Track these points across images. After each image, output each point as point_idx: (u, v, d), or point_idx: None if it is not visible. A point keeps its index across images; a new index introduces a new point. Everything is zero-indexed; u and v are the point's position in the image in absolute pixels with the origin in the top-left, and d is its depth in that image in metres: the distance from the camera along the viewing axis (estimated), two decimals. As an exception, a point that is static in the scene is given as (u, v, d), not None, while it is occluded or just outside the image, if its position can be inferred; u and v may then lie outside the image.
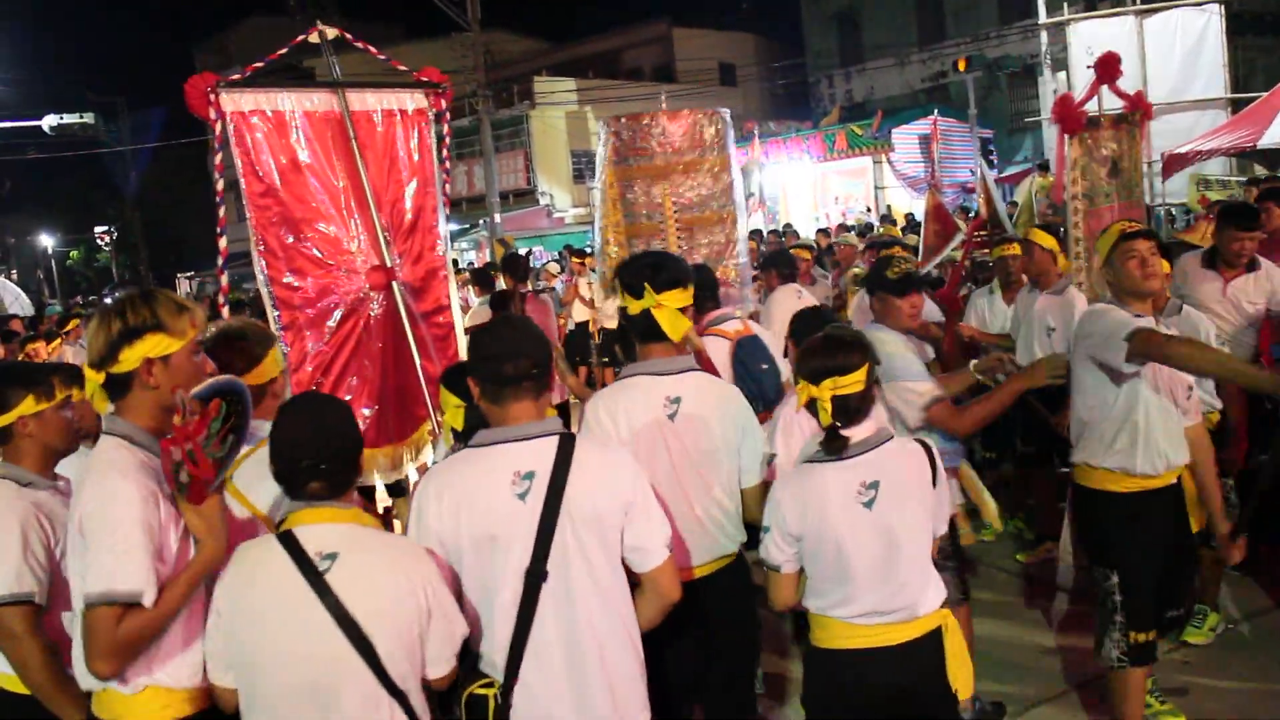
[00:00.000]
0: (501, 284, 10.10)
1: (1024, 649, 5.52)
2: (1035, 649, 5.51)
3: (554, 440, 2.80)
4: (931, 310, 7.23)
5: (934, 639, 3.08)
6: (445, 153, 5.22)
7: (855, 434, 3.06)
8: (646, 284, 3.42)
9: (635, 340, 3.58)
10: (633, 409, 3.44)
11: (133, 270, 42.85)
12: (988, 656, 5.32)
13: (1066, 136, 7.68)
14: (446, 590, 2.65)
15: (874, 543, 3.01)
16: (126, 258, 44.63)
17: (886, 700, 3.06)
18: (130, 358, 2.62)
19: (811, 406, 3.08)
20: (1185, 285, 5.90)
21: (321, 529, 2.54)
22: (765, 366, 4.78)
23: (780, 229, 19.95)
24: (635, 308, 3.47)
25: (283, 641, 2.48)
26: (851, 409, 3.04)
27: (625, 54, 39.97)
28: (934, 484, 3.13)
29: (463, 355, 4.96)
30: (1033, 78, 26.20)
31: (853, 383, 3.00)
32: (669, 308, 3.42)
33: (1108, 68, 8.43)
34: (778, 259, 7.76)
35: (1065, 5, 19.71)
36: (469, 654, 2.79)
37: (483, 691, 2.74)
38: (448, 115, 5.20)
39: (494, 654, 2.76)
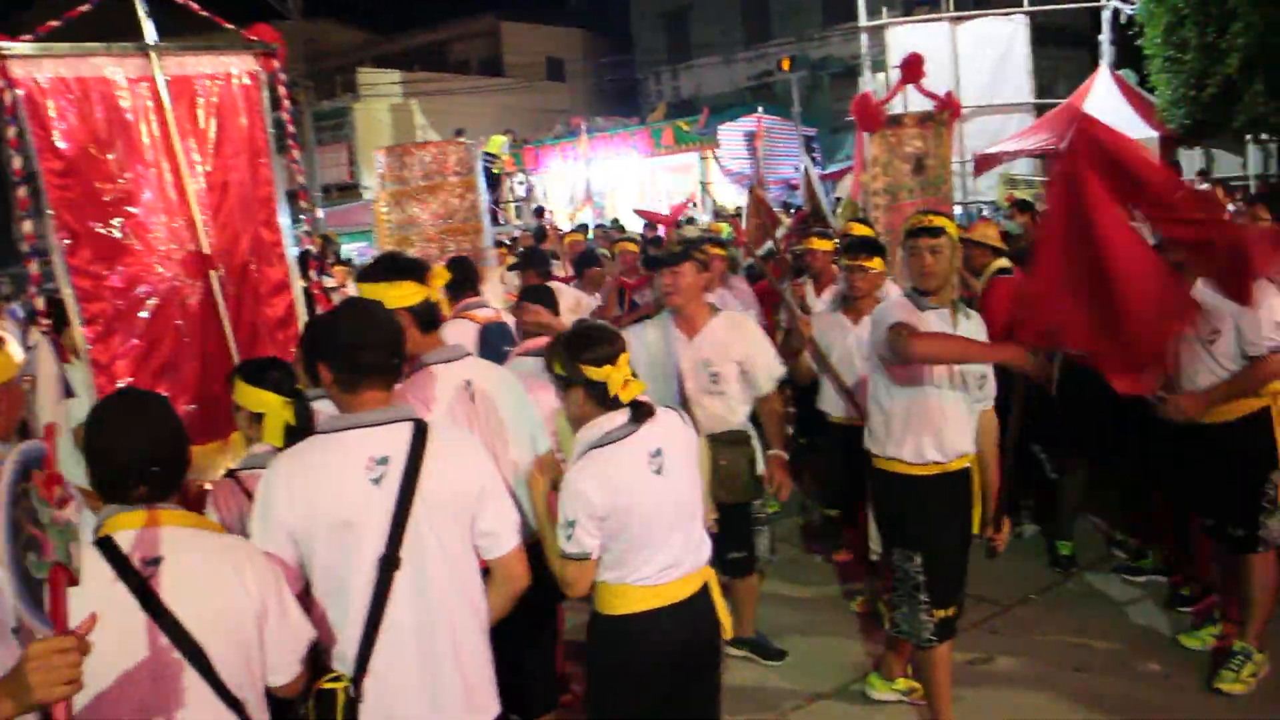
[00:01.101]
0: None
1: (834, 627, 5.74)
2: (842, 630, 5.70)
3: (408, 426, 2.75)
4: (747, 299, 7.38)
5: (707, 591, 3.32)
6: (286, 116, 4.83)
7: None
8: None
9: (418, 331, 3.61)
10: (440, 396, 3.49)
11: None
12: (803, 637, 5.54)
13: (866, 134, 8.05)
14: (287, 592, 2.51)
15: (668, 504, 3.20)
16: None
17: (675, 653, 3.24)
18: None
19: (597, 394, 3.18)
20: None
21: (144, 533, 2.35)
22: (507, 349, 4.91)
23: (608, 224, 20.07)
24: (418, 296, 3.57)
25: (103, 655, 2.17)
26: None
27: (452, 47, 39.35)
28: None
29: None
30: (854, 78, 26.99)
31: (625, 362, 3.22)
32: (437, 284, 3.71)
33: (911, 68, 8.86)
34: (531, 259, 7.77)
35: (884, 10, 20.41)
36: (319, 655, 2.67)
37: (331, 685, 2.64)
38: (283, 77, 4.77)
39: (345, 645, 2.66)
